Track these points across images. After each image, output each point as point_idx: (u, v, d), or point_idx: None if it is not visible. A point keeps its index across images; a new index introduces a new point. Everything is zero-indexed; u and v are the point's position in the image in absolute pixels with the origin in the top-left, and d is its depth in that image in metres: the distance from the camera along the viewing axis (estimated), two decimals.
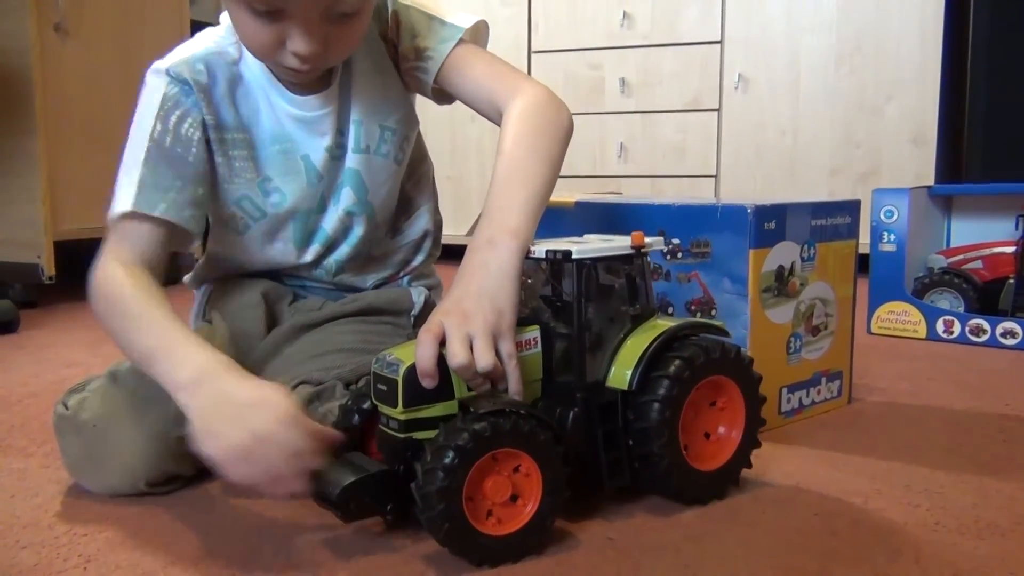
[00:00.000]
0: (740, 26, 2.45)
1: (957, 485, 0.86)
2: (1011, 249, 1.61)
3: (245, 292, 1.00)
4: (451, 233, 2.78)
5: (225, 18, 0.92)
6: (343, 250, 1.01)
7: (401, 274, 1.07)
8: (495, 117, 0.90)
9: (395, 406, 0.70)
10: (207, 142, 0.91)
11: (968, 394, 1.22)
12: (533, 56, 2.67)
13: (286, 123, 0.93)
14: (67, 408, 0.86)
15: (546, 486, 0.69)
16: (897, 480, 0.87)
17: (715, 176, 2.52)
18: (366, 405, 0.76)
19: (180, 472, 0.86)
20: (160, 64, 0.91)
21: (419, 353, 0.70)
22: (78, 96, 2.01)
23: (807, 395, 1.10)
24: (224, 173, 0.93)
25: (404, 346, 0.74)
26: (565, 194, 1.27)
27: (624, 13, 2.56)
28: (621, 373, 0.78)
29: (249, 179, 0.94)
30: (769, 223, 1.02)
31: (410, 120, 1.00)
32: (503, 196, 0.81)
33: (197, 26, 2.43)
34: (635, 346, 0.79)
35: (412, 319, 1.04)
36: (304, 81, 0.90)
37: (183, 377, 0.73)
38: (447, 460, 0.64)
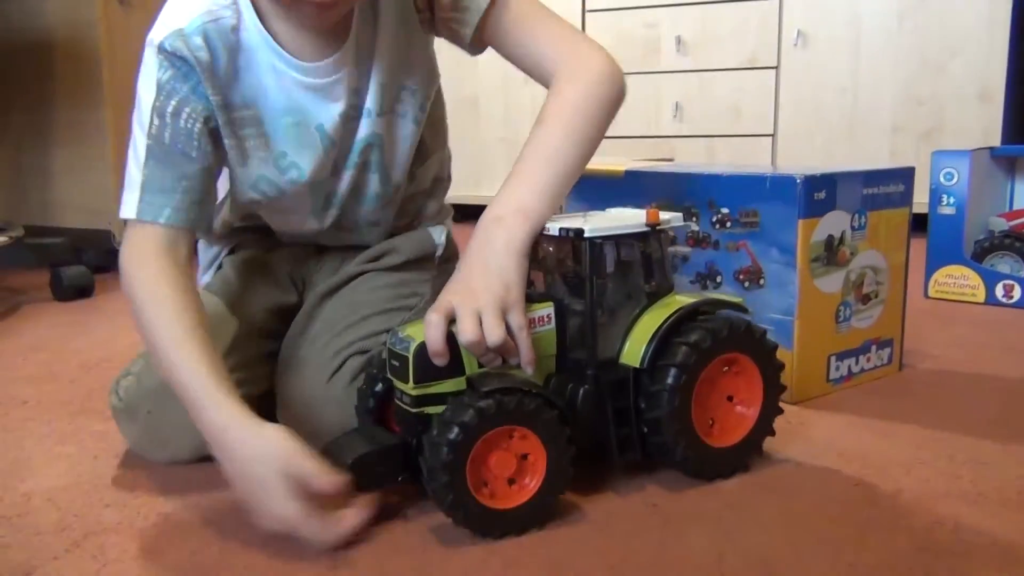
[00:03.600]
0: None
1: (1003, 456, 0.87)
2: None
3: (265, 256, 1.01)
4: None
5: None
6: (360, 210, 0.96)
7: (415, 223, 1.05)
8: (543, 80, 0.86)
9: (407, 382, 0.73)
10: (214, 129, 0.84)
11: (1022, 362, 1.21)
12: (588, 15, 2.65)
13: (295, 93, 0.85)
14: (120, 399, 0.89)
15: (550, 464, 0.72)
16: (942, 450, 0.88)
17: (772, 136, 2.49)
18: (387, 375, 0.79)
19: None
20: (155, 35, 0.82)
21: (428, 333, 0.71)
22: None
23: (856, 363, 1.11)
24: (236, 156, 0.86)
25: (416, 323, 0.76)
26: (618, 159, 1.28)
27: None
28: (634, 350, 0.79)
29: (263, 157, 0.87)
30: (819, 193, 1.02)
31: (432, 76, 0.94)
32: (525, 173, 0.80)
33: None
34: (649, 323, 0.79)
35: (437, 260, 1.03)
36: (327, 20, 0.81)
37: (207, 432, 0.74)
38: (451, 435, 0.68)
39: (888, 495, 0.78)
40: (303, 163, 0.89)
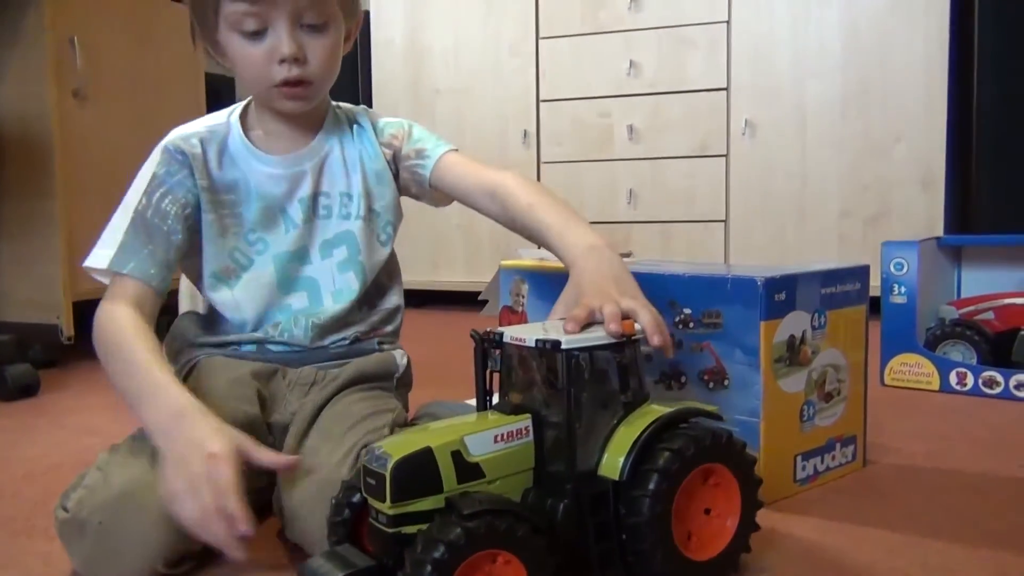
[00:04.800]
0: (746, 72, 2.48)
1: (975, 562, 0.86)
2: (1022, 300, 1.61)
3: (233, 370, 1.04)
4: (463, 280, 2.82)
5: (217, 115, 1.11)
6: (336, 307, 1.09)
7: (372, 334, 1.13)
8: (483, 196, 1.07)
9: (383, 500, 0.71)
10: (189, 215, 1.04)
11: (983, 454, 1.22)
12: (542, 105, 2.71)
13: (265, 183, 1.08)
14: (67, 511, 0.85)
15: None
16: (915, 556, 0.88)
17: (724, 221, 2.54)
18: (356, 498, 0.77)
19: (190, 549, 0.86)
20: (164, 141, 1.07)
21: (571, 323, 0.80)
22: (96, 159, 2.05)
23: (821, 462, 1.11)
24: (217, 229, 1.06)
25: (393, 439, 0.74)
26: None
27: (631, 62, 2.59)
28: (613, 462, 0.77)
29: (237, 232, 1.08)
30: (779, 294, 1.03)
31: (396, 209, 1.15)
32: (568, 226, 1.00)
33: (212, 80, 2.48)
34: (627, 434, 0.78)
35: (395, 381, 1.12)
36: (297, 106, 1.04)
37: (158, 420, 0.85)
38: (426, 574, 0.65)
39: None
40: (269, 239, 1.08)
